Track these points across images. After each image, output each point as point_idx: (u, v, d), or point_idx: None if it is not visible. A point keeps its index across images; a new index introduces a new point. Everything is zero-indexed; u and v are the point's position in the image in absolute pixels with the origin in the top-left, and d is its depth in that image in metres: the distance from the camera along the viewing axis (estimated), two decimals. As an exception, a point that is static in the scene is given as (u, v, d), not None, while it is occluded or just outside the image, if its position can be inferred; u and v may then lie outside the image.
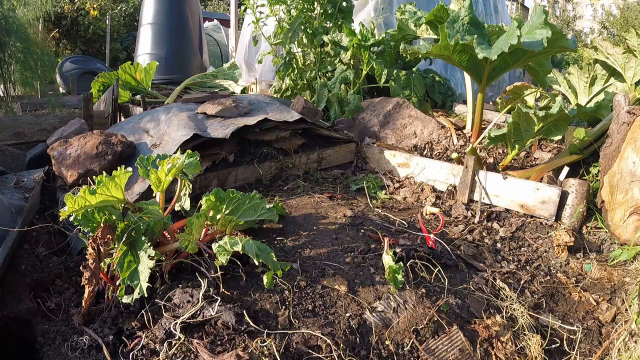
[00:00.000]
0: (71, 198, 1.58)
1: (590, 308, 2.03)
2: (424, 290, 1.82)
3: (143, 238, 1.65)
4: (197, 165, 1.93)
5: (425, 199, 2.87)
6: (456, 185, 2.86)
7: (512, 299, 1.93)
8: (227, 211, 1.89)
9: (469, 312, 1.83)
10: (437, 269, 1.93)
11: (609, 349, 1.80)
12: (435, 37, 3.57)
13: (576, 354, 1.78)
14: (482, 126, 3.37)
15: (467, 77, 3.62)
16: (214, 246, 1.66)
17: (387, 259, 1.88)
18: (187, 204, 2.03)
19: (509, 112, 3.56)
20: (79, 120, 3.11)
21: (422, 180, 3.04)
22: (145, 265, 1.58)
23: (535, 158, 3.24)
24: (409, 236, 2.26)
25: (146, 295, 1.58)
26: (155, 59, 5.22)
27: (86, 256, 1.62)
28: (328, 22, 3.98)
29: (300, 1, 3.83)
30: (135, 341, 1.52)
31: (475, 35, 2.78)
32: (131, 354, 1.48)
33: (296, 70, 4.07)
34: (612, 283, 2.17)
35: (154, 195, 1.94)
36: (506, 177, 2.68)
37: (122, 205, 1.75)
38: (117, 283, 1.62)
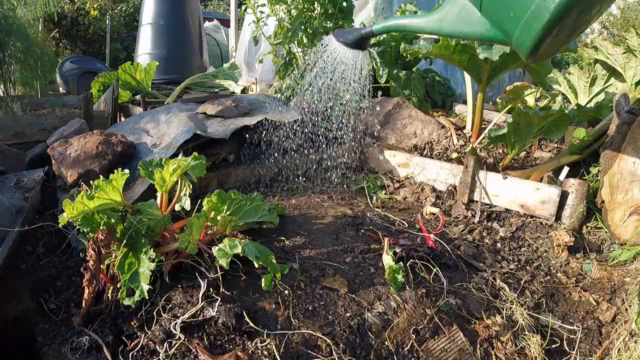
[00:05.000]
0: (69, 204, 1.58)
1: (590, 308, 2.03)
2: (424, 290, 1.81)
3: (143, 240, 1.65)
4: (202, 168, 1.93)
5: (425, 199, 2.88)
6: (456, 185, 2.86)
7: (512, 299, 1.93)
8: (228, 212, 1.89)
9: (469, 312, 1.83)
10: (437, 269, 1.93)
11: (609, 349, 1.80)
12: (436, 37, 3.57)
13: (576, 354, 1.78)
14: (482, 126, 3.37)
15: (467, 77, 3.62)
16: (214, 249, 1.66)
17: (387, 259, 1.88)
18: (187, 204, 2.03)
19: (509, 112, 3.56)
20: (79, 120, 3.11)
21: (422, 180, 3.04)
22: (145, 267, 1.58)
23: (535, 158, 3.24)
24: (409, 236, 2.26)
25: (147, 297, 1.58)
26: (155, 59, 5.23)
27: (86, 257, 1.62)
28: (328, 22, 3.98)
29: (301, 1, 3.83)
30: (135, 341, 1.52)
31: (476, 35, 2.78)
32: (131, 354, 1.48)
33: (296, 70, 4.07)
34: (612, 283, 2.17)
35: (156, 194, 1.94)
36: (506, 177, 2.68)
37: (121, 207, 1.75)
38: (118, 285, 1.62)
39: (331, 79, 2.32)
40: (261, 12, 4.01)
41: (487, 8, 1.63)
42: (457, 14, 1.73)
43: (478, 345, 1.68)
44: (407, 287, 1.81)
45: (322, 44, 2.22)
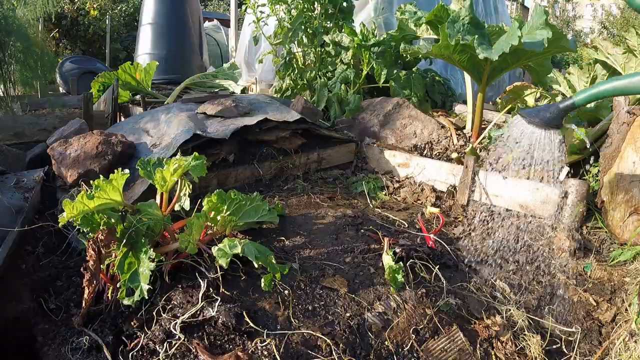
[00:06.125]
0: (69, 204, 1.58)
1: (590, 308, 2.03)
2: (424, 290, 1.81)
3: (143, 240, 1.65)
4: (203, 167, 1.93)
5: (426, 199, 2.87)
6: (456, 185, 2.86)
7: (512, 300, 1.93)
8: (228, 212, 1.89)
9: (469, 312, 1.83)
10: (436, 269, 1.93)
11: (609, 349, 1.80)
12: (436, 37, 3.57)
13: (576, 354, 1.78)
14: (482, 126, 3.37)
15: (467, 77, 3.62)
16: (214, 249, 1.66)
17: (387, 259, 1.88)
18: (186, 204, 2.03)
19: (509, 112, 3.56)
20: (79, 120, 3.11)
21: (422, 180, 3.04)
22: (145, 267, 1.58)
23: (535, 158, 3.24)
24: (409, 236, 2.26)
25: (147, 297, 1.58)
26: (155, 59, 5.23)
27: (86, 258, 1.62)
28: (328, 22, 3.98)
29: (301, 1, 3.84)
30: (135, 341, 1.52)
31: (476, 36, 2.78)
32: (131, 354, 1.48)
33: (296, 70, 4.07)
34: (612, 283, 2.17)
35: (156, 194, 1.94)
36: (506, 177, 2.68)
37: (121, 207, 1.75)
38: (118, 285, 1.62)
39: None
40: (261, 12, 4.02)
41: None
42: None
43: (478, 345, 1.68)
44: (407, 287, 1.81)
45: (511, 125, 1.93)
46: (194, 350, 1.46)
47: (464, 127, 3.62)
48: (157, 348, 1.49)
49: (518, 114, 1.87)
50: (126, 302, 1.59)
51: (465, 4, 2.97)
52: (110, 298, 1.68)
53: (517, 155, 1.94)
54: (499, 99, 3.96)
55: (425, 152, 3.35)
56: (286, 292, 1.72)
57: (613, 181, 2.45)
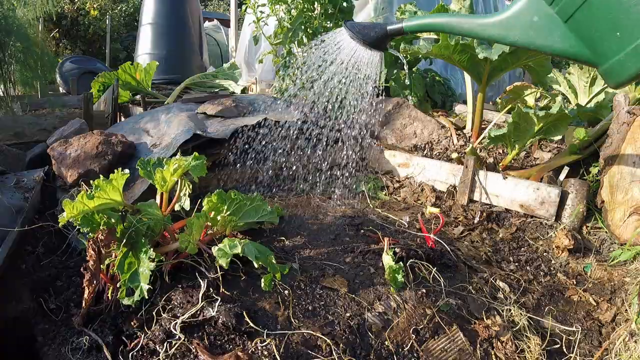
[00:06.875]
0: (69, 204, 1.58)
1: (590, 308, 2.03)
2: (424, 290, 1.81)
3: (143, 240, 1.65)
4: (203, 167, 1.93)
5: (426, 199, 2.87)
6: (456, 185, 2.86)
7: (512, 300, 1.93)
8: (228, 212, 1.89)
9: (469, 312, 1.83)
10: (437, 270, 1.93)
11: (609, 349, 1.80)
12: (436, 37, 3.57)
13: (576, 355, 1.78)
14: (482, 126, 3.37)
15: (467, 77, 3.62)
16: (214, 249, 1.66)
17: (387, 259, 1.88)
18: (187, 204, 2.03)
19: (509, 112, 3.56)
20: (79, 120, 3.11)
21: (422, 181, 3.04)
22: (145, 267, 1.58)
23: (535, 158, 3.24)
24: (409, 236, 2.26)
25: (147, 297, 1.58)
26: (155, 59, 5.23)
27: (86, 258, 1.62)
28: (328, 22, 3.98)
29: (301, 1, 3.84)
30: (135, 341, 1.52)
31: (476, 35, 2.78)
32: (131, 354, 1.48)
33: (296, 71, 4.07)
34: (612, 283, 2.17)
35: (156, 194, 1.94)
36: (506, 177, 2.68)
37: (121, 207, 1.75)
38: (118, 285, 1.62)
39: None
40: (261, 12, 4.02)
41: (579, 21, 1.33)
42: (531, 21, 1.40)
43: (478, 345, 1.68)
44: (407, 287, 1.81)
45: (331, 37, 1.83)
46: (194, 350, 1.46)
47: (464, 127, 3.62)
48: (157, 348, 1.49)
49: (344, 25, 1.75)
50: (126, 302, 1.59)
51: (466, 4, 2.98)
52: (110, 298, 1.68)
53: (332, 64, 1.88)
54: (499, 99, 3.96)
55: (425, 152, 3.35)
56: (286, 292, 1.72)
57: (613, 181, 2.45)
